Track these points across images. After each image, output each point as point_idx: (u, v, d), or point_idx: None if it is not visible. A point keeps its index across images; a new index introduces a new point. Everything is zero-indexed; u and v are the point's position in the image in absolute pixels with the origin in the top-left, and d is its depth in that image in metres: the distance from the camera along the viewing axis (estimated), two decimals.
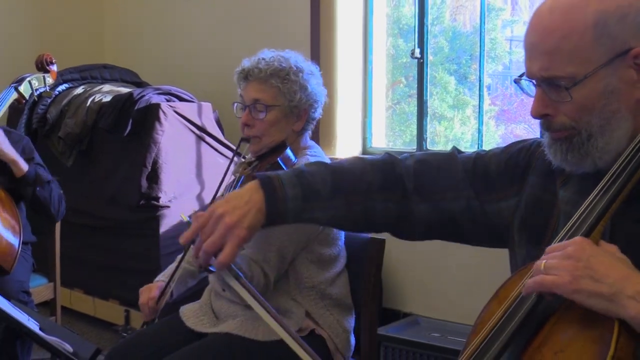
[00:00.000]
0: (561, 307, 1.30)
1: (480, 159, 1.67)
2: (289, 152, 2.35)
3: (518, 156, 1.63)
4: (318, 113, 2.51)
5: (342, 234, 2.48)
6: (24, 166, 3.24)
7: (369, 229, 1.74)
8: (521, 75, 1.45)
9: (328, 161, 2.48)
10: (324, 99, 2.52)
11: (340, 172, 1.66)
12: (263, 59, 2.43)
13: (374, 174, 1.67)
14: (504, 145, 1.70)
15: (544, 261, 1.25)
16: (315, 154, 2.49)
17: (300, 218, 1.63)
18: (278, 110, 2.41)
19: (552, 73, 1.35)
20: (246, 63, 2.45)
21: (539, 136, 3.87)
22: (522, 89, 1.48)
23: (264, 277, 2.30)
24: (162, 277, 2.55)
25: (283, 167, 2.31)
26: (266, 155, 2.38)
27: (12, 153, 3.23)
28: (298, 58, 2.47)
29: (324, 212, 1.64)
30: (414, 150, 4.20)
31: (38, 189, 3.26)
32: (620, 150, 1.36)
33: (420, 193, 1.66)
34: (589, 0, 1.34)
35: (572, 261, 1.22)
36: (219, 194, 2.40)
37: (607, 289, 1.18)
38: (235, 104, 2.50)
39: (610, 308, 1.18)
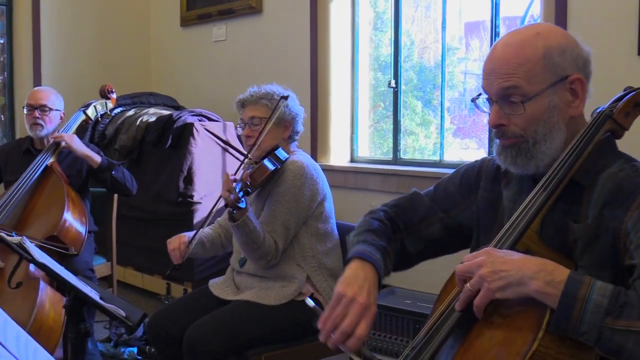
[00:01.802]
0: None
1: (439, 186, 1.66)
2: (281, 150, 2.40)
3: (469, 172, 1.62)
4: (300, 126, 2.55)
5: (333, 214, 2.50)
6: (97, 158, 3.29)
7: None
8: (478, 96, 1.45)
9: (312, 160, 2.51)
10: (303, 114, 2.57)
11: (383, 232, 1.57)
12: (252, 90, 2.52)
13: (389, 224, 1.60)
14: (454, 171, 1.67)
15: (468, 283, 1.25)
16: (302, 154, 2.55)
17: (384, 274, 1.51)
18: (269, 122, 2.43)
19: (512, 91, 1.35)
20: (241, 96, 2.54)
21: (486, 149, 3.87)
22: (477, 106, 1.48)
23: (275, 243, 2.33)
24: (186, 234, 2.54)
25: (279, 157, 2.37)
26: (265, 156, 2.40)
27: (85, 150, 3.29)
28: (278, 87, 2.54)
29: (391, 264, 1.55)
30: (391, 159, 4.21)
31: (114, 172, 3.29)
32: (555, 157, 1.36)
33: (407, 229, 1.62)
34: (537, 38, 1.36)
35: (485, 270, 1.22)
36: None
37: (512, 278, 1.19)
38: (238, 127, 2.57)
39: (521, 290, 1.18)
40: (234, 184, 2.18)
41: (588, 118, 1.43)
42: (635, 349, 1.08)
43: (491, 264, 1.22)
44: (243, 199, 2.14)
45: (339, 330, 1.35)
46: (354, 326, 1.35)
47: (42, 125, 3.30)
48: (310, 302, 1.43)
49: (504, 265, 1.21)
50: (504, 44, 1.39)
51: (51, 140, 3.27)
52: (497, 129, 1.40)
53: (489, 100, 1.41)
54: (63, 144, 3.22)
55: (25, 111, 3.33)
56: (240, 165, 2.45)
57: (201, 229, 2.48)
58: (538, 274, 1.17)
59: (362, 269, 1.44)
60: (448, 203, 1.62)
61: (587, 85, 1.39)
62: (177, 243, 2.47)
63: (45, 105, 3.31)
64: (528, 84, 1.34)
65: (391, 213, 1.64)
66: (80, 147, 3.25)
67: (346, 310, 1.36)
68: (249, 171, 2.25)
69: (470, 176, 1.61)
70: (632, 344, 1.08)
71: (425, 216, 1.61)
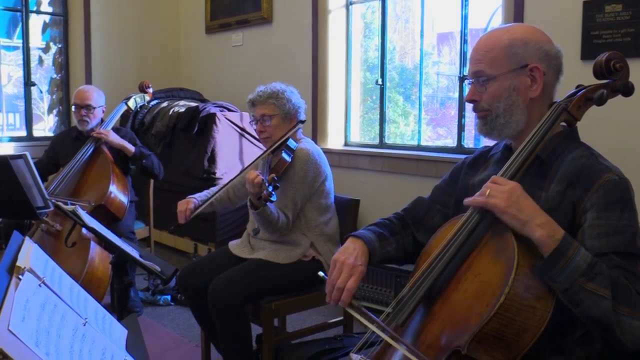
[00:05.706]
0: (480, 244, 1.25)
1: (435, 187, 1.64)
2: (291, 141, 2.33)
3: (456, 168, 1.62)
4: (302, 116, 2.47)
5: (332, 191, 2.45)
6: (131, 148, 3.25)
7: (407, 259, 1.58)
8: (465, 79, 1.46)
9: (316, 146, 2.45)
10: (304, 106, 2.49)
11: (386, 225, 1.56)
12: (260, 90, 2.42)
13: (398, 222, 1.59)
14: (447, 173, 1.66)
15: (489, 190, 1.24)
16: (308, 141, 2.47)
17: (381, 254, 1.50)
18: (278, 117, 2.38)
19: (479, 74, 1.37)
20: (250, 96, 2.43)
21: (454, 137, 3.81)
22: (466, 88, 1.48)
23: (286, 217, 2.29)
24: (196, 197, 2.49)
25: (291, 147, 2.30)
26: (278, 147, 2.35)
27: (120, 141, 3.24)
28: (281, 85, 2.44)
29: (391, 247, 1.52)
30: (377, 143, 4.16)
31: (144, 161, 3.25)
32: (516, 130, 1.38)
33: (415, 225, 1.60)
34: (505, 33, 1.37)
35: (507, 194, 1.21)
36: (250, 168, 2.38)
37: (524, 217, 1.19)
38: (251, 122, 2.47)
39: (524, 229, 1.19)
40: (263, 178, 2.09)
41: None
42: (591, 306, 1.14)
43: (517, 197, 1.21)
44: (273, 192, 2.04)
45: (335, 287, 1.35)
46: (346, 282, 1.34)
47: (87, 122, 3.30)
48: (321, 274, 1.43)
49: (525, 204, 1.20)
50: (483, 37, 1.40)
51: (93, 135, 3.25)
52: (473, 104, 1.42)
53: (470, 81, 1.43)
54: (103, 138, 3.21)
55: (73, 109, 3.32)
56: (260, 157, 2.38)
57: (209, 201, 2.44)
58: (545, 225, 1.17)
59: (352, 242, 1.45)
60: (442, 197, 1.60)
61: (553, 75, 1.38)
62: (185, 207, 2.42)
63: (90, 105, 3.29)
64: (490, 68, 1.35)
65: (401, 214, 1.62)
66: (116, 139, 3.23)
67: (340, 271, 1.37)
68: (273, 168, 2.17)
69: (457, 170, 1.61)
70: (591, 302, 1.14)
71: (427, 211, 1.59)
